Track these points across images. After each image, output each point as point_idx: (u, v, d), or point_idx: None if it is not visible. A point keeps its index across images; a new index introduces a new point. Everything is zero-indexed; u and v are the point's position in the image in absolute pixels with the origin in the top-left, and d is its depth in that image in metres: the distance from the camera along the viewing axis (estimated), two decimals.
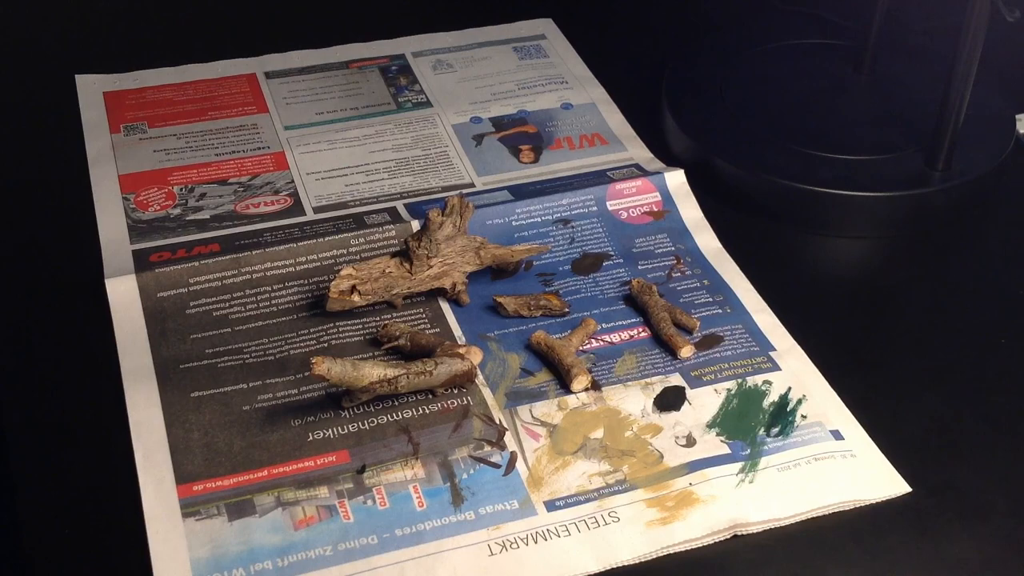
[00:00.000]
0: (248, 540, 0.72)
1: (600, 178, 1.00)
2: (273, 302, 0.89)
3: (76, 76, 1.12)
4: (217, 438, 0.78)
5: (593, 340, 0.87)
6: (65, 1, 1.24)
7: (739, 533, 0.74)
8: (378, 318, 0.88)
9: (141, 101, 1.10)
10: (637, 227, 0.97)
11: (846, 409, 0.82)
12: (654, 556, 0.73)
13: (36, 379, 0.83)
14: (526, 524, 0.74)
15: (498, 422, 0.80)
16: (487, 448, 0.78)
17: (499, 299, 0.89)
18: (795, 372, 0.85)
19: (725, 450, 0.79)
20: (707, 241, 0.96)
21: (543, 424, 0.80)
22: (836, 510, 0.76)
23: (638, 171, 1.01)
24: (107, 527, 0.73)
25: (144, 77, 1.13)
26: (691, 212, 0.99)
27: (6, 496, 0.76)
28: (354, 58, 1.17)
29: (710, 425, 0.80)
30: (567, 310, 0.89)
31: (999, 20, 0.90)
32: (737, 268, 0.94)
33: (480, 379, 0.83)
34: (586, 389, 0.83)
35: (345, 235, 0.93)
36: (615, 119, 1.10)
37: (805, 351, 0.86)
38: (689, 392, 0.83)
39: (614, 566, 0.72)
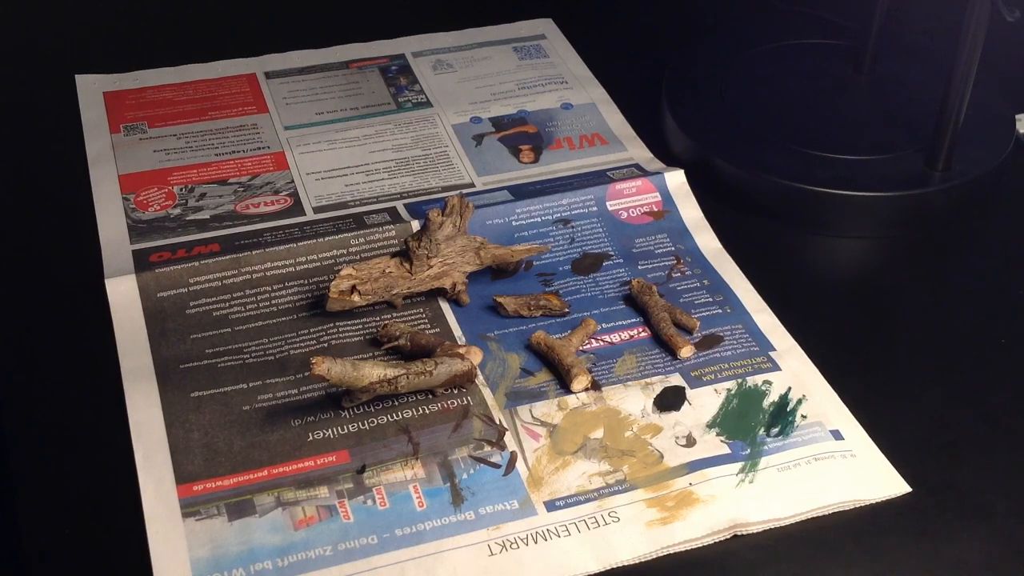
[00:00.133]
0: (248, 540, 0.72)
1: (600, 178, 1.00)
2: (273, 302, 0.89)
3: (76, 76, 1.12)
4: (217, 438, 0.78)
5: (593, 340, 0.87)
6: (65, 1, 1.24)
7: (739, 533, 0.74)
8: (378, 318, 0.88)
9: (141, 101, 1.10)
10: (637, 227, 0.97)
11: (846, 409, 0.82)
12: (654, 556, 0.73)
13: (36, 379, 0.83)
14: (526, 524, 0.74)
15: (498, 422, 0.80)
16: (487, 448, 0.78)
17: (499, 299, 0.89)
18: (795, 372, 0.85)
19: (725, 450, 0.79)
20: (707, 241, 0.96)
21: (543, 424, 0.80)
22: (836, 510, 0.76)
23: (638, 171, 1.01)
24: (107, 527, 0.74)
25: (144, 77, 1.13)
26: (691, 212, 0.99)
27: (6, 496, 0.76)
28: (354, 58, 1.17)
29: (710, 425, 0.80)
30: (567, 310, 0.89)
31: (999, 20, 0.90)
32: (737, 268, 0.94)
33: (480, 379, 0.83)
34: (586, 389, 0.83)
35: (345, 235, 0.93)
36: (615, 119, 1.10)
37: (805, 351, 0.86)
38: (689, 392, 0.83)
39: (614, 566, 0.72)
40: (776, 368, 0.85)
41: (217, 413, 0.80)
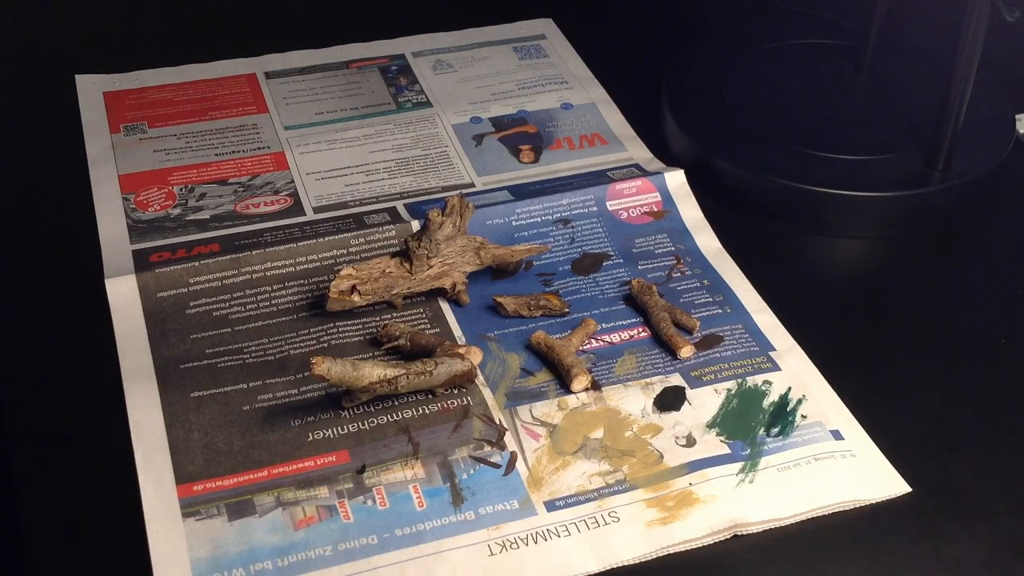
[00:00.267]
0: (248, 540, 0.72)
1: (600, 178, 1.00)
2: (273, 302, 0.89)
3: (76, 76, 1.12)
4: (217, 438, 0.78)
5: (593, 340, 0.87)
6: (65, 1, 1.24)
7: (739, 533, 0.74)
8: (378, 318, 0.88)
9: (141, 101, 1.10)
10: (637, 227, 0.97)
11: (846, 409, 0.82)
12: (654, 556, 0.73)
13: (36, 379, 0.83)
14: (526, 524, 0.74)
15: (498, 422, 0.80)
16: (487, 448, 0.78)
17: (499, 299, 0.89)
18: (795, 372, 0.85)
19: (725, 450, 0.79)
20: (707, 241, 0.96)
21: (543, 424, 0.80)
22: (836, 510, 0.76)
23: (638, 171, 1.01)
24: (107, 527, 0.73)
25: (144, 77, 1.13)
26: (691, 212, 0.99)
27: (6, 496, 0.76)
28: (354, 58, 1.17)
29: (710, 425, 0.80)
30: (567, 310, 0.89)
31: (999, 20, 0.90)
32: (737, 268, 0.94)
33: (480, 379, 0.83)
34: (586, 389, 0.83)
35: (345, 235, 0.93)
36: (615, 119, 1.10)
37: (805, 351, 0.86)
38: (689, 392, 0.83)
39: (614, 566, 0.72)
40: (776, 368, 0.85)
41: (217, 413, 0.80)
